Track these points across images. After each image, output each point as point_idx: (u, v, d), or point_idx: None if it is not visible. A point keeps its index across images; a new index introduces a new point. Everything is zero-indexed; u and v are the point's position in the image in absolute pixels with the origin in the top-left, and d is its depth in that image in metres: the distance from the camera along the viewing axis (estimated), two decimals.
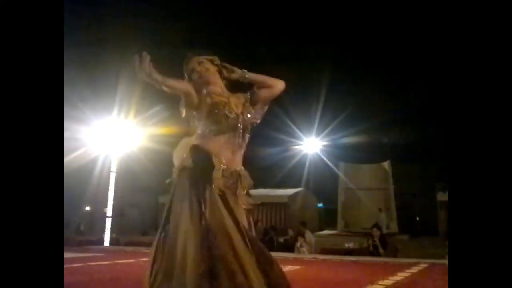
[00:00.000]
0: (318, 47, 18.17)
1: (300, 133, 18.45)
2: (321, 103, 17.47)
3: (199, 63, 2.40)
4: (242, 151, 2.34)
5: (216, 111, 2.29)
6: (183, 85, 2.28)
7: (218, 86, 2.41)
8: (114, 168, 11.57)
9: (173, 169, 2.31)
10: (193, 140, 2.32)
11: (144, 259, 7.42)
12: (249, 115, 2.36)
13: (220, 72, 2.45)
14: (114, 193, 11.45)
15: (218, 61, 2.46)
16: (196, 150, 2.25)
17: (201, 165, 2.21)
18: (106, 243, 11.09)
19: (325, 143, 19.46)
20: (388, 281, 4.60)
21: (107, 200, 11.48)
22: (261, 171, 16.66)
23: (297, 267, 6.30)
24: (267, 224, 13.02)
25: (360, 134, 19.17)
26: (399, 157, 19.14)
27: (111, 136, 11.55)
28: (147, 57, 2.05)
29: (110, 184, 11.47)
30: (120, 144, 11.72)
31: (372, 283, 4.46)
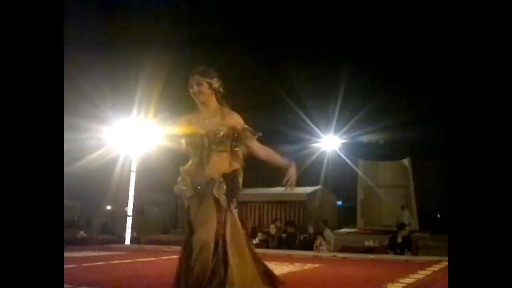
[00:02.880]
0: (336, 44, 18.04)
1: (318, 131, 18.37)
2: (339, 100, 17.35)
3: (198, 84, 2.76)
4: (221, 159, 2.74)
5: (190, 129, 2.75)
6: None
7: (207, 107, 2.80)
8: (134, 167, 11.72)
9: (179, 180, 2.82)
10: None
11: (165, 257, 7.51)
12: (220, 135, 2.72)
13: (216, 93, 2.82)
14: (135, 192, 11.60)
15: (217, 85, 2.80)
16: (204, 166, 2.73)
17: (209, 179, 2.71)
18: (127, 241, 11.22)
19: (343, 140, 19.32)
20: (409, 279, 4.55)
21: (127, 199, 11.63)
22: (278, 169, 16.65)
23: (317, 265, 6.28)
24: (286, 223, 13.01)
25: (379, 132, 18.99)
26: (420, 154, 18.88)
27: (131, 136, 11.70)
28: None
29: (130, 183, 11.62)
30: (140, 143, 11.85)
31: (392, 281, 4.43)
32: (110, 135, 11.93)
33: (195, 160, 2.74)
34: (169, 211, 16.31)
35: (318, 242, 8.94)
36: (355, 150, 19.23)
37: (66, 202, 17.50)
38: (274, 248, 9.84)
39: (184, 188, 2.72)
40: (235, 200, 2.78)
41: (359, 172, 17.92)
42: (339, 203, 20.63)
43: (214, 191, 2.65)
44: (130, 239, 11.33)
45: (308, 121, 16.98)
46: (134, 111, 11.52)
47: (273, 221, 12.44)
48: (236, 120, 2.82)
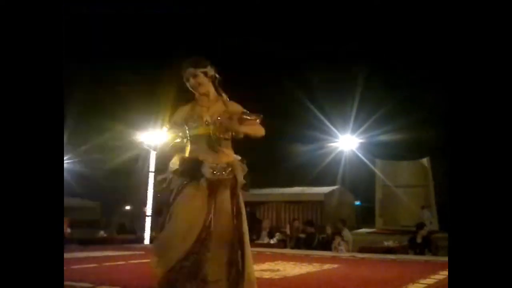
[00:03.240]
0: (354, 44, 17.93)
1: (335, 130, 18.26)
2: (357, 100, 17.22)
3: (194, 76, 2.69)
4: (226, 148, 2.67)
5: (190, 121, 2.69)
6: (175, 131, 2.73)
7: (207, 96, 2.75)
8: (152, 168, 11.84)
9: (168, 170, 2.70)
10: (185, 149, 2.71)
11: None
12: (222, 123, 2.63)
13: (213, 81, 2.75)
14: (153, 193, 11.72)
15: (212, 72, 2.74)
16: (182, 159, 2.65)
17: (188, 168, 2.60)
18: (146, 241, 11.34)
19: (361, 140, 19.17)
20: (430, 280, 4.50)
21: (146, 200, 11.76)
22: (296, 169, 16.61)
23: (335, 265, 6.25)
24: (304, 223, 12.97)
25: (397, 131, 18.77)
26: (439, 153, 18.62)
27: (150, 136, 11.82)
28: None
29: (149, 184, 11.74)
30: (158, 143, 11.96)
31: (413, 281, 4.38)
32: (129, 136, 12.07)
33: (202, 147, 2.63)
34: None
35: (337, 242, 8.89)
36: (373, 149, 19.06)
37: (87, 202, 17.79)
38: (292, 248, 9.83)
39: (205, 171, 2.54)
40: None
41: (377, 171, 17.74)
42: (357, 203, 20.48)
43: (238, 176, 2.62)
44: (149, 239, 11.45)
45: (325, 121, 16.90)
46: (153, 115, 11.66)
47: (292, 221, 12.43)
48: (236, 107, 2.75)
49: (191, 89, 2.75)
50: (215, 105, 2.73)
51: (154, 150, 11.78)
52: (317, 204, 14.66)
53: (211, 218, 2.53)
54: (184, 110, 2.77)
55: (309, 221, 11.54)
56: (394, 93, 18.35)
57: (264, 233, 11.37)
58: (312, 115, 15.88)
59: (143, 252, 8.16)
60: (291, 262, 6.45)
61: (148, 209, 11.70)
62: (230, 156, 2.69)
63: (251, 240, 11.05)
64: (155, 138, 11.70)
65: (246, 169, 2.73)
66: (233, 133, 2.70)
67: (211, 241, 2.48)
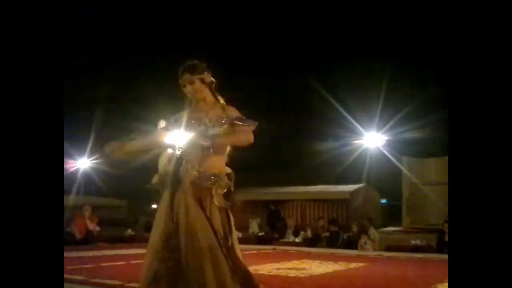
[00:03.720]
0: (380, 39, 17.64)
1: (360, 128, 18.05)
2: (382, 97, 16.96)
3: (191, 82, 2.66)
4: (219, 157, 2.60)
5: (188, 125, 2.65)
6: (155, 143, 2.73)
7: (204, 101, 2.71)
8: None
9: (155, 174, 2.70)
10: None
11: None
12: (216, 129, 2.57)
13: (210, 86, 2.72)
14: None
15: (209, 78, 2.70)
16: (175, 159, 2.60)
17: (176, 172, 2.55)
18: None
19: (387, 137, 18.89)
20: None
21: None
22: (321, 167, 16.48)
23: (362, 264, 6.19)
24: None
25: (424, 128, 18.40)
26: None
27: (174, 136, 11.93)
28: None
29: None
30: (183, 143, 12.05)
31: (441, 281, 4.30)
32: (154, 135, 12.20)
33: (194, 153, 2.58)
34: None
35: (363, 240, 8.80)
36: (399, 147, 18.73)
37: (114, 201, 18.10)
38: (317, 246, 9.78)
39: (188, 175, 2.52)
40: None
41: (404, 169, 17.42)
42: (383, 201, 20.19)
43: (216, 188, 2.51)
44: None
45: (350, 118, 16.72)
46: (178, 112, 11.74)
47: (317, 220, 12.36)
48: (232, 112, 2.67)
49: (188, 95, 2.72)
50: (213, 110, 2.69)
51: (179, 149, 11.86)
52: (343, 202, 14.51)
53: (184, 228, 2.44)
54: (183, 115, 2.73)
55: (333, 219, 11.47)
56: (421, 90, 18.00)
57: (289, 231, 11.36)
58: (337, 112, 15.73)
59: None
60: (317, 261, 6.42)
61: None
62: (220, 167, 2.60)
63: (276, 239, 11.06)
64: (180, 137, 11.77)
65: (228, 183, 2.58)
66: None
67: (191, 252, 2.38)
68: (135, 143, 2.76)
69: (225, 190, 2.56)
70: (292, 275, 5.00)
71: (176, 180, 2.55)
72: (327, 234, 10.46)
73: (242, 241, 11.63)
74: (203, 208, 2.48)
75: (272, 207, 14.18)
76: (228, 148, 2.68)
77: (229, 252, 2.48)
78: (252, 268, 5.36)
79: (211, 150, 2.57)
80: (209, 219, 2.46)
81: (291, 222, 12.01)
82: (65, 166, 16.07)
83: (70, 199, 14.39)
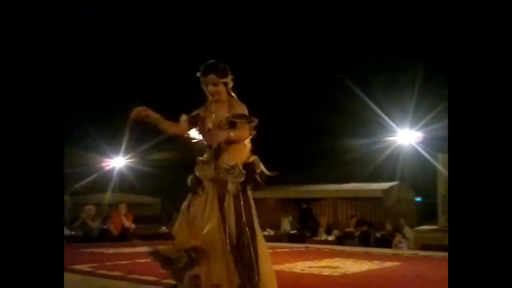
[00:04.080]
0: (413, 33, 17.22)
1: (393, 125, 17.70)
2: (416, 93, 16.58)
3: (214, 84, 2.82)
4: (233, 149, 2.77)
5: (200, 126, 2.90)
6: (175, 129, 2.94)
7: (218, 102, 2.86)
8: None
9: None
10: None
11: None
12: (223, 125, 2.78)
13: (229, 92, 2.88)
14: None
15: (231, 84, 2.87)
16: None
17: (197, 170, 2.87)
18: None
19: (421, 134, 18.47)
20: None
21: None
22: (353, 164, 16.27)
23: (397, 263, 6.08)
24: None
25: None
26: None
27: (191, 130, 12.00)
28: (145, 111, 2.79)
29: None
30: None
31: None
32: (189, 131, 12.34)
33: (209, 151, 2.84)
34: None
35: (397, 239, 8.65)
36: (434, 144, 18.27)
37: (148, 199, 18.45)
38: (350, 245, 9.68)
39: (206, 174, 2.80)
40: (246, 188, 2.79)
41: (439, 166, 17.00)
42: (418, 199, 19.76)
43: (231, 179, 2.72)
44: None
45: (383, 115, 16.42)
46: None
47: (350, 218, 12.22)
48: (239, 109, 2.83)
49: (207, 93, 2.88)
50: (220, 110, 2.85)
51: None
52: (376, 200, 14.29)
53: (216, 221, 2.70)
54: (200, 111, 2.95)
55: (361, 219, 11.32)
56: None
57: (322, 229, 11.29)
58: (369, 109, 15.47)
59: None
60: (350, 259, 6.35)
61: None
62: (237, 158, 2.78)
63: (308, 237, 11.01)
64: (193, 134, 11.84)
65: (242, 172, 2.75)
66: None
67: (213, 245, 2.64)
68: (160, 118, 2.90)
69: (243, 179, 2.73)
70: (326, 273, 4.96)
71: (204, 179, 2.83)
72: (358, 233, 10.33)
73: (274, 239, 11.67)
74: (221, 203, 2.74)
75: (304, 205, 14.12)
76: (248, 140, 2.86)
77: (238, 250, 2.66)
78: (285, 266, 5.40)
79: (231, 146, 2.77)
80: (223, 217, 2.70)
81: (323, 221, 11.94)
82: (101, 165, 16.50)
83: (106, 197, 14.77)
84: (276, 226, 12.94)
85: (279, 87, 16.43)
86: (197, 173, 2.85)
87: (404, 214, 11.97)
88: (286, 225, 12.91)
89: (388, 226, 10.16)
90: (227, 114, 2.80)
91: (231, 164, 2.74)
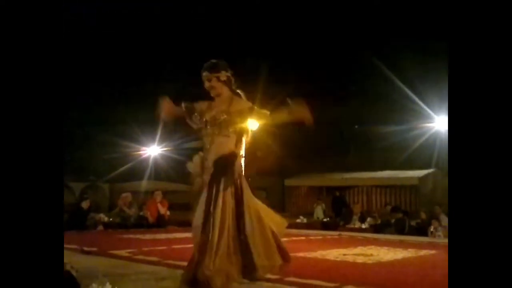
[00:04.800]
0: (448, 18, 16.59)
1: (429, 111, 17.25)
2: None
3: (208, 80, 3.03)
4: (230, 140, 3.00)
5: (198, 118, 3.07)
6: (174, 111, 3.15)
7: (219, 97, 3.07)
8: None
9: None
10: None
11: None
12: (221, 118, 2.97)
13: (227, 84, 3.06)
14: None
15: (225, 77, 3.04)
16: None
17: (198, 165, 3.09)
18: None
19: None
20: None
21: None
22: (388, 152, 15.97)
23: (433, 251, 5.99)
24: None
25: None
26: None
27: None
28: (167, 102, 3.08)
29: (241, 168, 12.02)
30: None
31: None
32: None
33: (205, 145, 3.04)
34: (276, 195, 16.67)
35: (433, 227, 8.48)
36: None
37: (182, 186, 18.76)
38: (384, 233, 9.56)
39: (196, 169, 3.04)
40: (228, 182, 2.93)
41: None
42: None
43: (206, 172, 2.95)
44: None
45: (419, 101, 16.02)
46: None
47: (384, 206, 12.08)
48: (242, 105, 3.04)
49: (208, 90, 3.09)
50: (220, 106, 3.04)
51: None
52: (411, 188, 14.05)
53: (212, 211, 2.87)
54: (204, 104, 3.13)
55: (395, 207, 11.14)
56: None
57: (355, 217, 11.21)
58: (404, 95, 15.10)
59: None
60: (385, 247, 6.29)
61: None
62: (229, 149, 2.98)
63: (341, 225, 10.96)
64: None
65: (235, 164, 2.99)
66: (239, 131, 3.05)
67: (213, 232, 2.79)
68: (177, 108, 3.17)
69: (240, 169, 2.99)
70: (360, 261, 4.94)
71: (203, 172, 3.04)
72: (393, 220, 10.19)
73: (307, 226, 11.64)
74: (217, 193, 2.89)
75: (337, 193, 14.02)
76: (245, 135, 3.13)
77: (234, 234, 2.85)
78: (318, 253, 5.42)
79: (227, 140, 3.00)
80: (224, 203, 2.87)
81: (356, 208, 11.84)
82: (137, 153, 16.87)
83: (142, 185, 15.12)
84: (309, 213, 12.94)
85: (311, 73, 16.24)
86: (188, 168, 3.11)
87: (440, 202, 11.69)
88: (319, 212, 12.89)
89: (423, 215, 9.96)
90: (222, 110, 2.98)
91: (213, 159, 2.95)
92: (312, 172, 15.72)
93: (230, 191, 2.91)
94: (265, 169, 14.55)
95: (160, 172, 17.85)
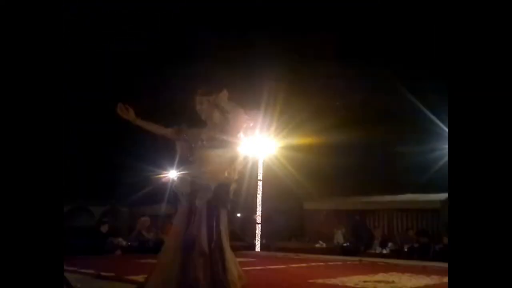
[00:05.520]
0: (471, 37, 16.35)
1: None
2: None
3: (200, 103, 3.19)
4: (218, 167, 3.09)
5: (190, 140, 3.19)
6: (155, 128, 3.30)
7: (211, 120, 3.20)
8: (260, 176, 12.08)
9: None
10: None
11: (294, 265, 7.55)
12: (205, 142, 3.13)
13: (219, 107, 3.16)
14: (262, 200, 11.93)
15: (216, 101, 3.16)
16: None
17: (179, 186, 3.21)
18: (257, 248, 11.56)
19: None
20: None
21: (256, 207, 12.00)
22: (408, 174, 15.69)
23: None
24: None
25: None
26: None
27: (256, 145, 12.05)
28: (129, 109, 3.18)
29: (258, 191, 11.99)
30: (265, 152, 12.17)
31: None
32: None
33: (188, 166, 3.18)
34: (295, 218, 16.47)
35: None
36: None
37: None
38: (406, 259, 9.32)
39: (185, 189, 3.11)
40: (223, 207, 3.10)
41: None
42: None
43: (199, 195, 3.04)
44: (260, 246, 11.65)
45: (438, 122, 15.81)
46: (259, 122, 11.87)
47: (406, 231, 11.80)
48: (234, 129, 3.16)
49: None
50: (212, 129, 3.17)
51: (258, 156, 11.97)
52: (433, 212, 13.70)
53: (191, 231, 2.97)
54: (195, 130, 3.23)
55: (423, 230, 10.87)
56: None
57: (376, 242, 10.97)
58: (424, 115, 14.91)
59: (254, 259, 8.34)
60: (407, 274, 6.12)
61: (258, 217, 11.93)
62: (218, 176, 3.08)
63: (362, 250, 10.73)
64: (262, 145, 11.89)
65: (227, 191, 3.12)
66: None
67: (192, 251, 2.91)
68: (145, 123, 3.30)
69: (210, 197, 3.03)
70: None
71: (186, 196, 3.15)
72: (416, 245, 9.94)
73: (326, 251, 11.43)
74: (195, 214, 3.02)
75: (357, 217, 13.79)
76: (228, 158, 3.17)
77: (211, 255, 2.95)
78: (338, 280, 5.29)
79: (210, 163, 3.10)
80: (198, 227, 2.98)
81: (377, 233, 11.60)
82: (157, 177, 16.97)
83: (161, 208, 15.16)
84: (328, 238, 12.73)
85: (322, 93, 16.07)
86: (174, 189, 3.18)
87: None
88: (339, 237, 12.66)
89: (445, 239, 9.70)
90: (211, 135, 3.12)
91: (204, 183, 3.04)
92: (331, 196, 15.51)
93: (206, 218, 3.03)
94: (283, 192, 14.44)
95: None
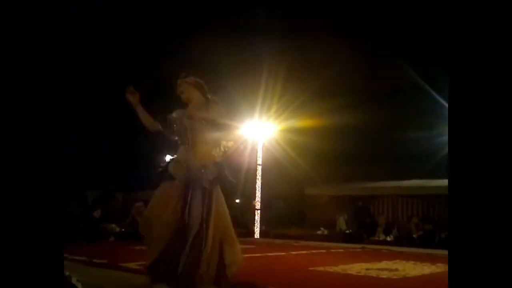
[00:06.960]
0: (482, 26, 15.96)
1: None
2: None
3: (179, 86, 3.31)
4: (205, 147, 3.20)
5: (174, 125, 3.27)
6: (150, 123, 3.33)
7: (193, 102, 3.31)
8: (260, 161, 11.82)
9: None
10: None
11: (294, 252, 7.33)
12: (198, 120, 3.18)
13: (198, 88, 3.31)
14: (262, 186, 11.72)
15: (193, 80, 3.30)
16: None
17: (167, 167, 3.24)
18: (257, 235, 11.38)
19: None
20: None
21: (255, 193, 11.78)
22: (414, 160, 15.34)
23: None
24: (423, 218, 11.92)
25: None
26: None
27: (256, 130, 11.76)
28: (135, 93, 3.29)
29: (257, 177, 11.74)
30: (264, 136, 11.91)
31: None
32: (238, 130, 12.17)
33: (182, 148, 3.21)
34: (296, 204, 16.25)
35: None
36: None
37: None
38: (410, 246, 9.06)
39: (177, 172, 3.13)
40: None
41: None
42: None
43: (205, 176, 3.08)
44: (259, 233, 11.48)
45: (446, 105, 15.38)
46: (258, 107, 11.59)
47: (410, 217, 11.51)
48: (217, 110, 3.22)
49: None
50: (194, 111, 3.24)
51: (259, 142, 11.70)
52: (439, 198, 13.34)
53: (184, 212, 3.06)
54: (180, 111, 3.31)
55: (427, 216, 10.62)
56: None
57: (380, 229, 10.72)
58: (431, 100, 14.52)
59: (254, 246, 8.13)
60: (411, 261, 6.00)
61: (258, 203, 11.72)
62: (206, 156, 3.17)
63: (365, 237, 10.45)
64: (261, 129, 11.64)
65: (217, 170, 3.13)
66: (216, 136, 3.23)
67: (184, 233, 3.03)
68: (139, 106, 3.33)
69: (215, 176, 3.10)
70: (384, 276, 4.65)
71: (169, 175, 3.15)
72: (421, 233, 9.68)
73: (328, 238, 11.22)
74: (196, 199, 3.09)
75: (360, 203, 13.45)
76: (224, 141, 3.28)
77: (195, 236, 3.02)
78: (340, 268, 5.05)
79: (202, 144, 3.18)
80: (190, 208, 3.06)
81: (381, 220, 11.34)
82: (153, 162, 16.79)
83: None
84: (331, 225, 12.48)
85: (339, 82, 15.77)
86: (170, 171, 3.14)
87: None
88: (341, 224, 12.39)
89: None
90: (199, 115, 3.17)
91: (203, 162, 3.12)
92: (333, 181, 15.21)
93: (200, 198, 3.08)
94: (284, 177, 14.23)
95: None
